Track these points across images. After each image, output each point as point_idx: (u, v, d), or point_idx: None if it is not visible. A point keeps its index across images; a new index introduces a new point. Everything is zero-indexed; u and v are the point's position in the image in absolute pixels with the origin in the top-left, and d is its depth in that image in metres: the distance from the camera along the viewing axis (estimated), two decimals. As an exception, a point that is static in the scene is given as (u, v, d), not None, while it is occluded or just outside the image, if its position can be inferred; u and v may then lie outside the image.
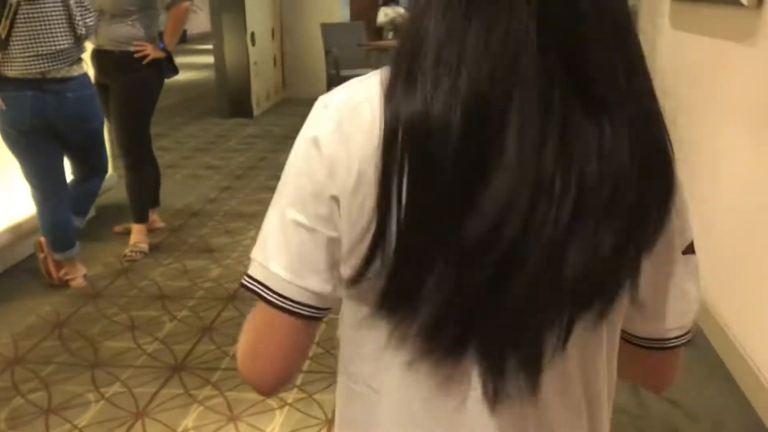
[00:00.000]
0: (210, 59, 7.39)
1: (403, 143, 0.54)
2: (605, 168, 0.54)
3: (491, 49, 0.53)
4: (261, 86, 7.18)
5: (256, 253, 0.65)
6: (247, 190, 4.51)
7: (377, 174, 0.56)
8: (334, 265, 0.62)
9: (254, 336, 0.67)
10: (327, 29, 6.95)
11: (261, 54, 7.12)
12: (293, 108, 7.42)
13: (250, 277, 0.65)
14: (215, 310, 2.87)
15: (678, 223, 0.63)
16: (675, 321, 0.69)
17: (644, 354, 0.71)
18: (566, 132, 0.54)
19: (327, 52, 6.79)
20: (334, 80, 6.54)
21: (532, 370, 0.59)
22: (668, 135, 0.59)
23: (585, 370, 0.65)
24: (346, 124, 0.60)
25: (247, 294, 0.65)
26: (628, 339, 0.71)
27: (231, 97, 6.90)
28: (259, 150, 5.60)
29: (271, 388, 0.69)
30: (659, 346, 0.70)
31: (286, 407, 2.21)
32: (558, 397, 0.63)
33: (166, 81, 3.58)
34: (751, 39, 2.25)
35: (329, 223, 0.61)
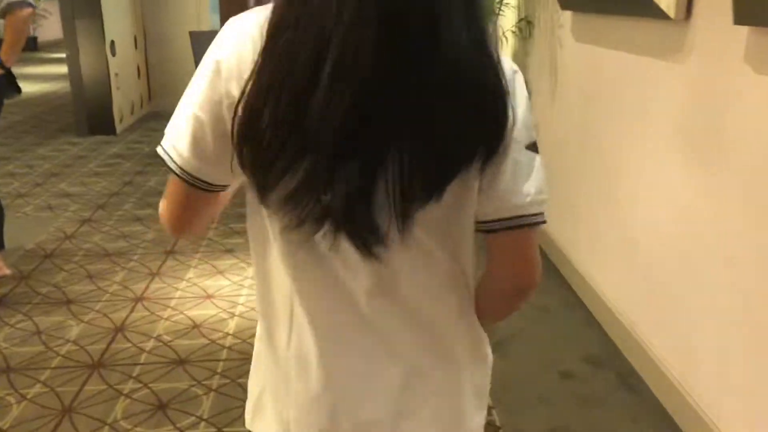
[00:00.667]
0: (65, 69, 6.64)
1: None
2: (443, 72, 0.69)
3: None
4: (124, 100, 6.51)
5: (168, 131, 0.83)
6: (111, 221, 3.94)
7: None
8: (224, 154, 0.78)
9: (168, 197, 0.87)
10: (196, 38, 6.40)
11: (123, 65, 6.46)
12: (161, 123, 6.66)
13: (162, 147, 0.84)
14: (76, 384, 2.36)
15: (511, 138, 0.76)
16: (520, 200, 0.79)
17: (501, 238, 0.81)
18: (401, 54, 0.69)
19: (197, 63, 6.23)
20: (207, 93, 6.03)
21: (368, 236, 0.74)
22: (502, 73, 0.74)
23: (448, 239, 0.82)
24: (240, 49, 0.77)
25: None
26: (484, 229, 0.82)
27: (90, 113, 6.19)
28: (124, 172, 4.99)
29: (178, 234, 0.90)
30: (508, 226, 0.80)
31: (212, 393, 2.32)
32: (417, 254, 0.81)
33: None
34: (678, 54, 2.08)
35: (221, 123, 0.78)
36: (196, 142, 0.80)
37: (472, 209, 0.81)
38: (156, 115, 7.20)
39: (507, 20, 3.84)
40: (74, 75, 6.14)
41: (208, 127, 0.79)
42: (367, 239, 0.75)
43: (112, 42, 6.20)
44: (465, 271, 0.86)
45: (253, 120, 0.71)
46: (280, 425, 0.89)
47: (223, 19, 8.43)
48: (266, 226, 0.82)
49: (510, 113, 0.75)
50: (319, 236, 0.76)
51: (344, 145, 0.69)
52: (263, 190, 0.75)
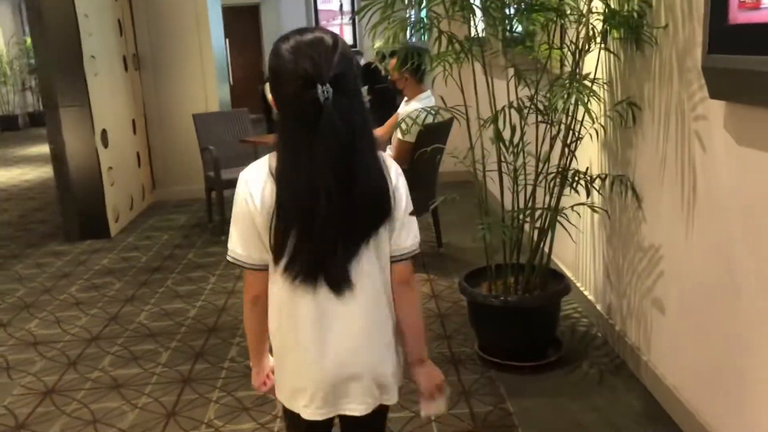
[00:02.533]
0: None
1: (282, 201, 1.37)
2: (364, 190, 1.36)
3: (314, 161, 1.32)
4: (120, 195, 5.63)
5: (230, 245, 1.46)
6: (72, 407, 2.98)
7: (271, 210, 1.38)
8: (260, 244, 1.42)
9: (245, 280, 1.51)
10: (201, 121, 5.55)
11: (117, 155, 5.60)
12: (165, 217, 5.90)
13: (230, 256, 1.47)
14: None
15: (397, 213, 1.43)
16: (411, 240, 1.48)
17: (397, 264, 1.49)
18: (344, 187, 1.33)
19: (203, 150, 5.38)
20: (215, 183, 5.12)
21: (338, 285, 1.40)
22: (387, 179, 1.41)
23: (376, 275, 1.45)
24: (253, 187, 1.39)
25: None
26: (391, 261, 1.49)
27: (81, 214, 5.31)
28: (111, 300, 4.05)
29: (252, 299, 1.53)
30: (400, 259, 1.48)
31: None
32: (365, 286, 1.43)
33: None
34: None
35: (254, 229, 1.42)
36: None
37: (387, 250, 1.47)
38: (159, 207, 6.31)
39: (594, 104, 2.87)
40: (60, 173, 5.27)
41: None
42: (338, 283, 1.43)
43: (104, 131, 5.35)
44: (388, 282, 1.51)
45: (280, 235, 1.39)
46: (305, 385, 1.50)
47: (235, 97, 7.66)
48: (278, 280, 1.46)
49: (393, 205, 1.41)
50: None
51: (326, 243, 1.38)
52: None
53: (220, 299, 3.96)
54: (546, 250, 3.01)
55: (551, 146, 2.91)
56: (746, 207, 1.99)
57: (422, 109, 3.22)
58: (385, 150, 4.39)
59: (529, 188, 2.94)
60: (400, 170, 1.45)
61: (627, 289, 2.93)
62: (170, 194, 6.55)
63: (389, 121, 4.45)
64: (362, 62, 9.70)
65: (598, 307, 3.30)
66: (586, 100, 2.49)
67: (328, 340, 1.44)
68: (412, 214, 1.46)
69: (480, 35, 2.96)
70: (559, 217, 2.85)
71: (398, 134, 4.02)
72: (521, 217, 2.92)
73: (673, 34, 2.37)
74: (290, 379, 1.51)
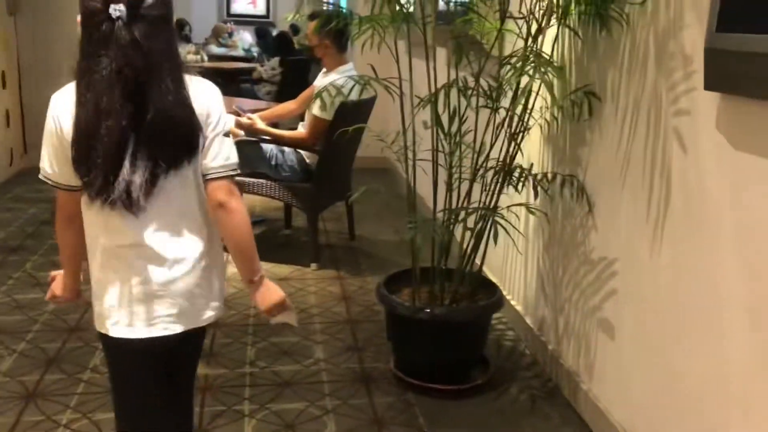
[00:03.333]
0: None
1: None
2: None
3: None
4: (-20, 159, 4.80)
5: (41, 164, 1.46)
6: None
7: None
8: (70, 165, 1.40)
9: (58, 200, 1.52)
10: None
11: (-21, 111, 4.76)
12: (35, 186, 5.10)
13: (42, 175, 1.48)
14: None
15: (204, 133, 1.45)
16: (221, 159, 1.47)
17: (207, 183, 1.48)
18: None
19: None
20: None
21: (131, 207, 1.40)
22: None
23: (182, 194, 1.47)
24: (59, 101, 1.41)
25: None
26: (205, 179, 1.48)
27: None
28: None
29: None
30: (211, 177, 1.47)
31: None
32: (162, 209, 1.44)
33: None
34: None
35: (62, 149, 1.41)
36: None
37: (197, 174, 1.48)
38: (30, 174, 5.45)
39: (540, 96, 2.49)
40: None
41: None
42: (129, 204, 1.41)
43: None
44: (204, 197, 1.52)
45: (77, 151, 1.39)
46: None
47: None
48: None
49: (199, 135, 1.44)
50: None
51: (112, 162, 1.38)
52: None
53: (89, 289, 3.32)
54: (477, 254, 2.60)
55: (494, 136, 2.49)
56: (742, 227, 1.63)
57: (349, 77, 2.72)
58: (297, 127, 3.87)
59: (465, 183, 2.52)
60: (215, 90, 1.51)
61: (566, 305, 2.57)
62: (45, 161, 5.73)
63: (303, 94, 3.92)
64: (274, 33, 9.04)
65: (528, 320, 2.93)
66: (550, 79, 2.07)
67: (131, 264, 1.47)
68: (226, 135, 1.49)
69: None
70: (497, 219, 2.44)
71: (314, 109, 3.51)
72: (455, 216, 2.50)
73: (653, 13, 1.99)
74: (108, 302, 1.51)
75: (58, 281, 1.66)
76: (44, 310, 3.09)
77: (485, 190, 2.50)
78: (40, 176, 1.47)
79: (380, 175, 5.41)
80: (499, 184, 2.47)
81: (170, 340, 1.51)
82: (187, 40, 8.27)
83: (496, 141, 2.47)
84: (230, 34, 10.34)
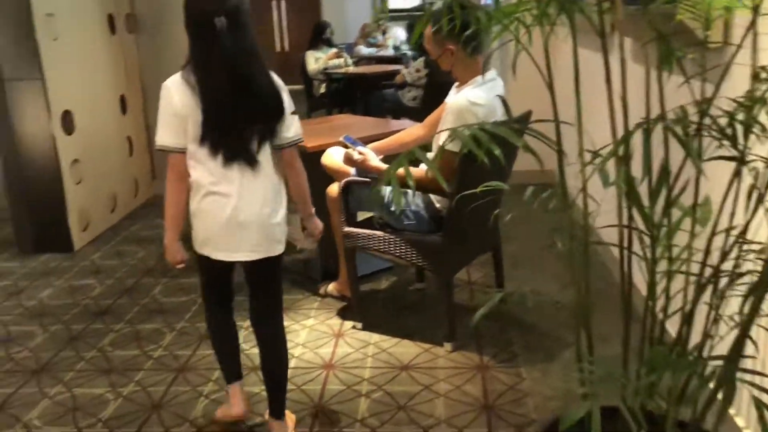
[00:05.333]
0: None
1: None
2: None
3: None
4: (93, 196, 4.38)
5: (158, 138, 1.95)
6: None
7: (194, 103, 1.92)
8: (181, 132, 1.93)
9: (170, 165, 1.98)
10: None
11: (88, 144, 4.34)
12: (156, 221, 4.62)
13: (159, 146, 1.96)
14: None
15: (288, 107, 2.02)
16: (294, 131, 2.05)
17: (283, 149, 2.05)
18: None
19: None
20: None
21: (248, 161, 1.96)
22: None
23: (268, 159, 2.01)
24: (174, 91, 1.92)
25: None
26: (279, 148, 2.06)
27: (34, 223, 4.11)
28: (8, 375, 2.79)
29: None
30: (286, 144, 2.05)
31: None
32: (262, 170, 2.00)
33: None
34: None
35: (180, 118, 1.92)
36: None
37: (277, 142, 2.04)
38: (158, 204, 5.06)
39: None
40: (9, 167, 4.07)
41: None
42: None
43: (67, 113, 4.10)
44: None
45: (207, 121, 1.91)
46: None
47: (284, 72, 6.48)
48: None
49: (284, 107, 2.00)
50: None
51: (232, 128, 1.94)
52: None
53: (161, 382, 2.65)
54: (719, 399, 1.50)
55: (734, 207, 1.39)
56: None
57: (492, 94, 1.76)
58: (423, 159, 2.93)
59: (677, 279, 1.44)
60: (284, 86, 2.04)
61: None
62: (173, 188, 5.29)
63: (433, 116, 2.98)
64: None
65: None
66: None
67: (238, 203, 1.98)
68: (294, 113, 2.06)
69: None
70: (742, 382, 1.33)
71: (442, 141, 2.57)
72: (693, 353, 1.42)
73: None
74: (204, 230, 2.02)
75: (170, 249, 2.08)
76: (98, 418, 2.44)
77: (717, 296, 1.40)
78: (158, 147, 1.96)
79: (538, 191, 4.32)
80: (757, 292, 1.35)
81: (251, 263, 2.07)
82: (329, 43, 7.61)
83: (747, 213, 1.36)
84: (384, 32, 9.62)
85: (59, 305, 3.38)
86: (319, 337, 2.95)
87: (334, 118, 4.44)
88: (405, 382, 2.58)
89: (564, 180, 1.49)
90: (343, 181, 2.87)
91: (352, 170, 2.90)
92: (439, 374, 2.63)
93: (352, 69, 7.49)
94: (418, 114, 6.46)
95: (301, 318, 3.14)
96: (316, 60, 7.46)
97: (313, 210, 2.23)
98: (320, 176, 3.05)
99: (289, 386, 2.50)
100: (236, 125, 1.93)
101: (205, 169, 1.95)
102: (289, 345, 2.84)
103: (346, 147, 2.89)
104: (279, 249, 2.10)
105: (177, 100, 1.90)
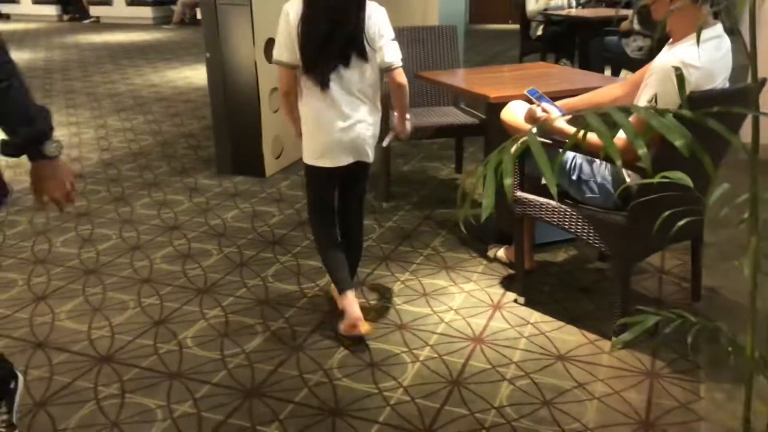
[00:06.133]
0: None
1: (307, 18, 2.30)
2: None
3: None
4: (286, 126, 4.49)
5: (275, 53, 2.37)
6: None
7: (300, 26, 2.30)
8: (294, 50, 2.33)
9: (280, 78, 2.43)
10: (414, 34, 4.06)
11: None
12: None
13: (275, 59, 2.39)
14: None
15: (375, 43, 2.38)
16: (390, 58, 2.39)
17: (388, 72, 2.45)
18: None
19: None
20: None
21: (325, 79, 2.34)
22: None
23: (360, 80, 2.39)
24: (291, 9, 2.32)
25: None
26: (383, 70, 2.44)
27: (234, 146, 4.31)
28: (177, 292, 2.95)
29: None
30: (390, 68, 2.42)
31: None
32: (355, 89, 2.39)
33: None
34: None
35: (292, 39, 2.32)
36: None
37: (372, 66, 2.39)
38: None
39: None
40: (215, 91, 4.28)
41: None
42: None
43: (270, 41, 4.18)
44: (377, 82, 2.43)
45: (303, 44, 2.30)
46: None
47: (473, 17, 5.95)
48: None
49: (366, 42, 2.35)
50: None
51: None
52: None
53: (308, 322, 2.63)
54: None
55: None
56: None
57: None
58: (621, 123, 2.52)
59: None
60: (382, 10, 2.39)
61: None
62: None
63: (636, 74, 2.53)
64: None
65: None
66: None
67: (335, 117, 2.38)
68: (394, 40, 2.42)
69: None
70: None
71: (642, 105, 2.16)
72: None
73: None
74: (315, 144, 2.46)
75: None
76: (239, 352, 2.49)
77: None
78: (274, 61, 2.38)
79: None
80: None
81: (348, 167, 2.48)
82: (554, -18, 7.04)
83: None
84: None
85: (239, 228, 3.52)
86: (475, 305, 2.74)
87: (530, 66, 4.05)
88: (558, 374, 2.30)
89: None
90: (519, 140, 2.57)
91: (533, 129, 2.59)
92: (599, 372, 2.31)
93: (575, 11, 6.88)
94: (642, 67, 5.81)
95: (461, 281, 2.95)
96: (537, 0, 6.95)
97: (408, 116, 2.56)
98: (503, 133, 2.78)
99: (430, 354, 2.35)
100: (329, 51, 2.32)
101: (311, 90, 2.38)
102: (440, 308, 2.71)
103: (530, 102, 2.58)
104: (371, 158, 2.54)
105: (293, 21, 2.30)
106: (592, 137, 2.37)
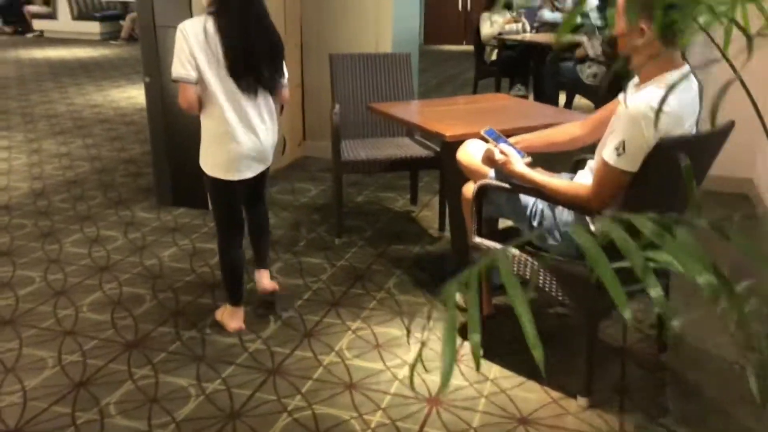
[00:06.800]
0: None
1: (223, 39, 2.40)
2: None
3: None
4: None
5: (174, 71, 2.39)
6: None
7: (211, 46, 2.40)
8: (195, 67, 2.38)
9: (182, 96, 2.44)
10: (338, 64, 3.87)
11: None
12: (297, 185, 4.42)
13: (175, 77, 2.40)
14: None
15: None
16: (284, 78, 2.64)
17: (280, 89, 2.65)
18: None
19: (333, 89, 3.78)
20: (334, 161, 3.48)
21: (262, 88, 2.50)
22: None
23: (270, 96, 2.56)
24: (190, 33, 2.36)
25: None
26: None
27: (173, 175, 4.04)
28: (119, 332, 2.68)
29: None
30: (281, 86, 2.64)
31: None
32: (263, 100, 2.53)
33: None
34: None
35: (191, 58, 2.37)
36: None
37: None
38: (302, 167, 4.88)
39: None
40: (153, 115, 4.01)
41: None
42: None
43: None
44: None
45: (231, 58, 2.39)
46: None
47: (429, 32, 5.79)
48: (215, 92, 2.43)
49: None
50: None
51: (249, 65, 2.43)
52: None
53: (249, 384, 2.39)
54: None
55: None
56: None
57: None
58: (582, 167, 2.37)
59: None
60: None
61: None
62: (322, 150, 5.06)
63: (595, 115, 2.38)
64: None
65: None
66: None
67: (247, 128, 2.49)
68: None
69: None
70: None
71: (606, 153, 2.01)
72: None
73: None
74: (220, 156, 2.54)
75: None
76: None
77: None
78: (174, 77, 2.41)
79: (732, 202, 3.56)
80: None
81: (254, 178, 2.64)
82: (509, 6, 6.97)
83: None
84: (574, -5, 8.73)
85: (176, 269, 3.26)
86: (432, 359, 2.54)
87: (485, 99, 3.90)
88: (518, 438, 2.12)
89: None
90: (478, 183, 2.39)
91: (491, 171, 2.42)
92: (563, 439, 2.13)
93: (529, 36, 6.82)
94: (595, 94, 5.74)
95: (417, 329, 2.75)
96: (491, 23, 6.86)
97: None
98: (459, 171, 2.60)
99: (382, 419, 2.14)
100: (256, 63, 2.45)
101: (220, 97, 2.44)
102: (394, 363, 2.50)
103: (487, 142, 2.41)
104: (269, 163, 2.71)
105: (193, 40, 2.36)
106: (554, 182, 2.24)
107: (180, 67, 2.36)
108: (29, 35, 12.69)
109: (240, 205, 2.70)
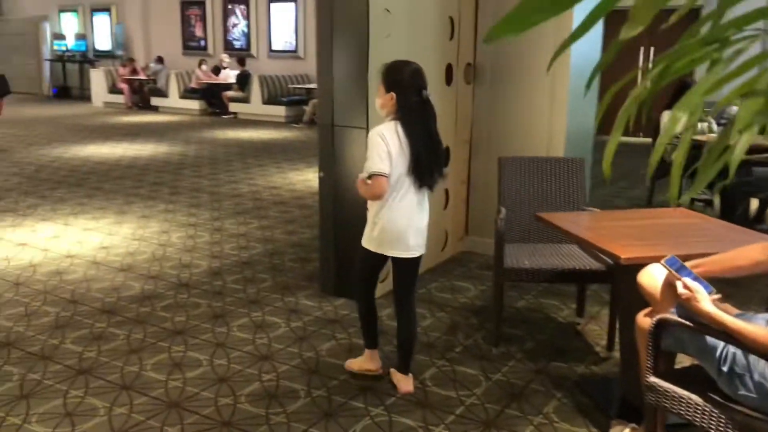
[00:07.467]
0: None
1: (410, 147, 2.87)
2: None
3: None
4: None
5: (374, 167, 2.82)
6: None
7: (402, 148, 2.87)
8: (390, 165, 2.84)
9: (367, 188, 2.92)
10: (508, 168, 3.80)
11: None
12: (455, 283, 4.34)
13: (376, 172, 2.84)
14: None
15: None
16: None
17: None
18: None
19: (500, 193, 3.71)
20: (497, 270, 3.37)
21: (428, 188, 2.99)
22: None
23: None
24: (387, 137, 2.82)
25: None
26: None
27: (338, 267, 4.14)
28: None
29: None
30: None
31: None
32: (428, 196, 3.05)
33: None
34: None
35: (389, 157, 2.83)
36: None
37: None
38: (463, 262, 4.82)
39: None
40: (324, 208, 4.17)
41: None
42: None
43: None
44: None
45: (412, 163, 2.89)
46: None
47: (601, 128, 5.61)
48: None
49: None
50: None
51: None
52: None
53: None
54: None
55: None
56: None
57: None
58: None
59: None
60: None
61: None
62: (484, 246, 4.98)
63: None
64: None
65: None
66: None
67: (415, 216, 2.95)
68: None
69: None
70: None
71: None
72: None
73: None
74: (390, 235, 2.95)
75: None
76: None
77: None
78: (375, 172, 2.81)
79: None
80: None
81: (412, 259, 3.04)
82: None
83: None
84: None
85: (332, 365, 3.28)
86: (592, 505, 2.29)
87: (663, 214, 3.52)
88: None
89: None
90: (656, 318, 2.17)
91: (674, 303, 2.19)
92: None
93: (714, 136, 6.37)
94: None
95: (577, 466, 2.51)
96: (674, 121, 6.51)
97: None
98: (634, 294, 2.39)
99: None
100: (427, 164, 2.88)
101: (402, 192, 2.90)
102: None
103: (670, 272, 2.19)
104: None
105: (390, 142, 2.80)
106: (749, 329, 1.97)
107: (380, 162, 2.79)
108: (226, 117, 14.04)
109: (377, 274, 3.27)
